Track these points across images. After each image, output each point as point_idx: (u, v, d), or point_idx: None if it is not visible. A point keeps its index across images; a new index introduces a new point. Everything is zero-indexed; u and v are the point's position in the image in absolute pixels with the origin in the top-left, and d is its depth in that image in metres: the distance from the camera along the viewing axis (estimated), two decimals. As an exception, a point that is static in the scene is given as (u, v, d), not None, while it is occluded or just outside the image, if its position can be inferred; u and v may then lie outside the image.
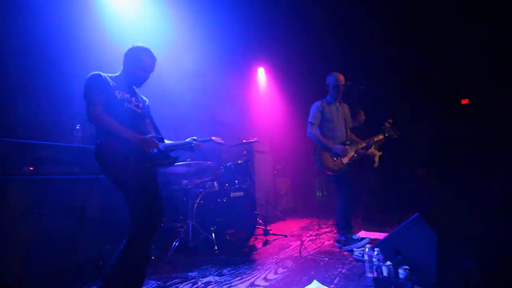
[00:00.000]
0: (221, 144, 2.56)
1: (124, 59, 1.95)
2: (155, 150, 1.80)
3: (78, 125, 2.58)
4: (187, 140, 2.16)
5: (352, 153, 2.92)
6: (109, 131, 1.71)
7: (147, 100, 2.15)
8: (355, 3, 4.52)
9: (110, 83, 1.85)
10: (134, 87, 2.03)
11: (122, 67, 1.97)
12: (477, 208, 3.03)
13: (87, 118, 1.74)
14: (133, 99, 1.96)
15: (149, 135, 1.87)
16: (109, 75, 1.91)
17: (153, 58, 1.98)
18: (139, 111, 1.97)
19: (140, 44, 1.95)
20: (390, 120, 3.02)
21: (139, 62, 1.91)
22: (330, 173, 2.90)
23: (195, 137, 2.20)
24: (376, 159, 3.47)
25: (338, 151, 2.83)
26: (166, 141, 2.05)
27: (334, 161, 2.85)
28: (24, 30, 2.69)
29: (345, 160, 2.86)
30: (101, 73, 1.86)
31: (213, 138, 2.48)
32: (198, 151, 2.27)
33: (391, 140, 2.96)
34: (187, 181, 3.22)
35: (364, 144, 2.98)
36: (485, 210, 2.98)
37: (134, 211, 1.71)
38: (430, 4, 4.24)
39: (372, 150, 3.57)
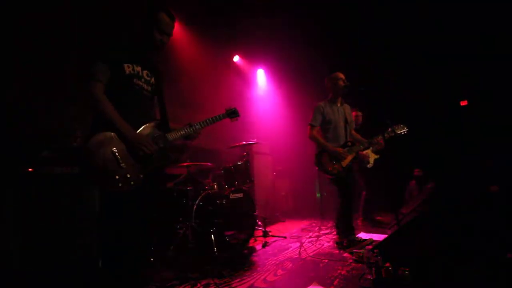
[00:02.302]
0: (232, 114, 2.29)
1: (141, 20, 1.70)
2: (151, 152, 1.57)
3: None
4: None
5: (352, 156, 2.89)
6: (103, 117, 1.49)
7: (160, 72, 1.86)
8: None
9: (121, 53, 1.64)
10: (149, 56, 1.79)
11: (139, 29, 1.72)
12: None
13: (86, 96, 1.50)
14: (145, 72, 1.73)
15: (147, 132, 1.64)
16: (125, 41, 1.70)
17: (171, 18, 1.73)
18: (149, 88, 1.74)
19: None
20: (388, 122, 3.01)
21: (156, 23, 1.67)
22: (329, 176, 2.88)
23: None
24: (371, 160, 3.47)
25: (337, 155, 2.82)
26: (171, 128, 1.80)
27: (333, 164, 2.84)
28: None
29: (345, 163, 2.83)
30: (113, 41, 1.65)
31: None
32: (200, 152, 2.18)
33: (399, 136, 2.90)
34: (186, 182, 3.22)
35: (366, 145, 2.96)
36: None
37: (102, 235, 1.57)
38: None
39: (368, 151, 3.57)
